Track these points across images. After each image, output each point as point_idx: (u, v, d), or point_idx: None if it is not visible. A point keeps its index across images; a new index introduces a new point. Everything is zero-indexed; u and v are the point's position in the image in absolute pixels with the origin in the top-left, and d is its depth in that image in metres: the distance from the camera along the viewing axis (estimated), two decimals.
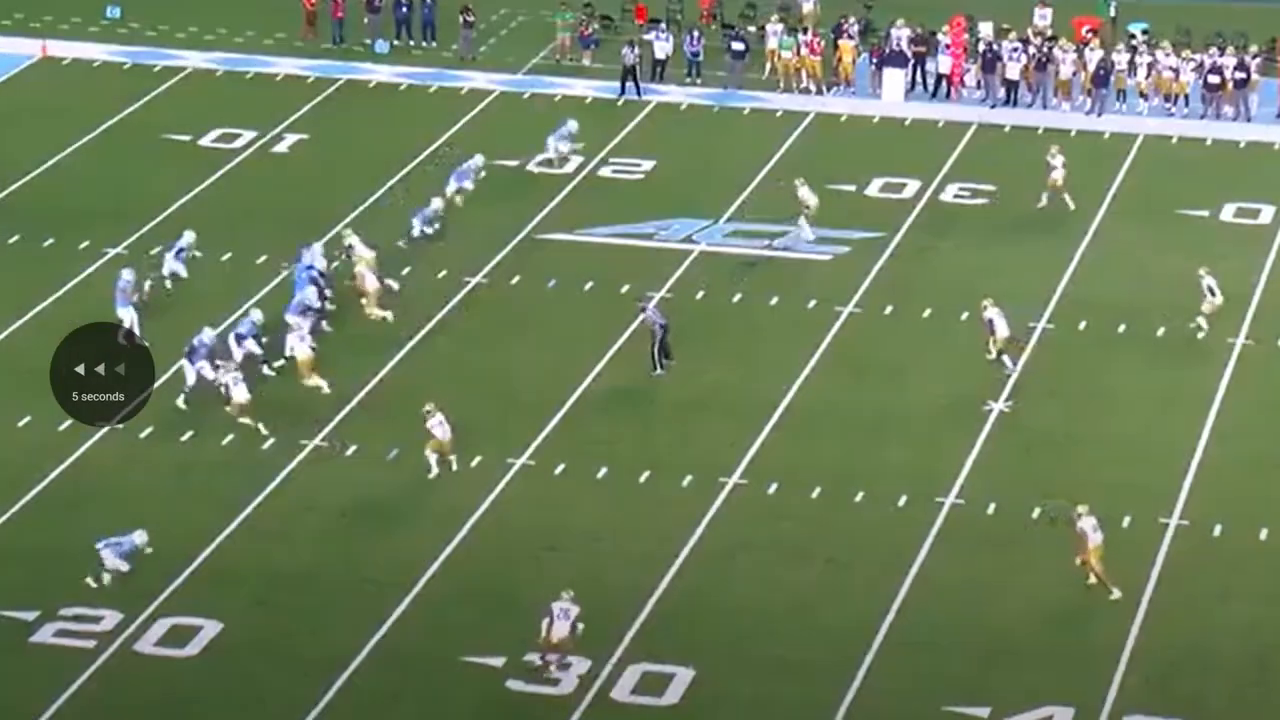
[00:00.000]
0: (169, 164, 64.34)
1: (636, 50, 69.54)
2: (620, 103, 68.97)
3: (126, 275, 54.00)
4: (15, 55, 72.55)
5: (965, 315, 54.84)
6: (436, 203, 59.21)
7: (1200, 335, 54.03)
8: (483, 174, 61.19)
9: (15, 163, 63.78)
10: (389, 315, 54.36)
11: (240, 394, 49.69)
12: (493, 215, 60.57)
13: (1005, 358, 52.46)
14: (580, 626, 41.36)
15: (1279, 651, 42.84)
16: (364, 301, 54.57)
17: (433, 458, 48.49)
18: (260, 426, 49.49)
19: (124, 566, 44.36)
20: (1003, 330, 52.55)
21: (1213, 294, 54.10)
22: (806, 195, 59.34)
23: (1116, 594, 44.00)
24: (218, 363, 50.61)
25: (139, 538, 44.63)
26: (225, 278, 56.55)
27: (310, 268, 54.79)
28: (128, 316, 53.34)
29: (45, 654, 42.42)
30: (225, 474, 48.57)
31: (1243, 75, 67.32)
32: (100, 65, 72.20)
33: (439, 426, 48.29)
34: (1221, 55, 67.89)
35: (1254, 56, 67.76)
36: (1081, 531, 44.10)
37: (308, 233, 58.57)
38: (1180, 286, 55.92)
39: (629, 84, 69.27)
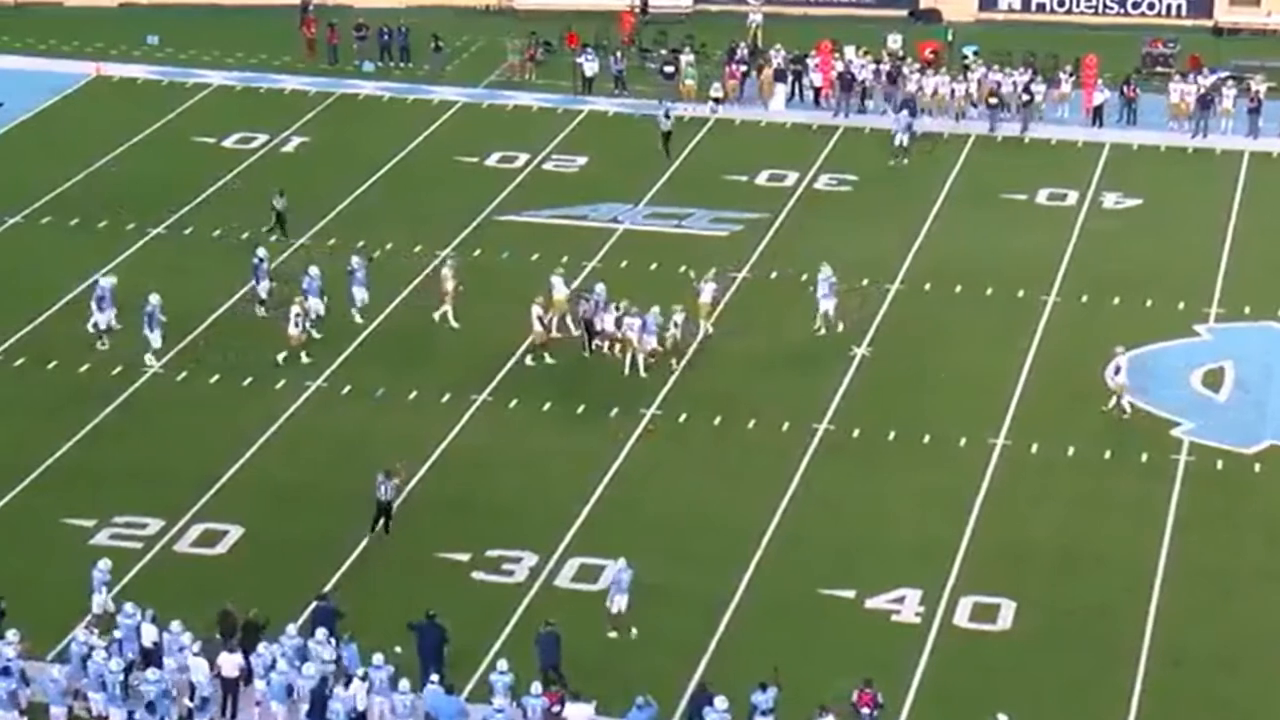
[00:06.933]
0: (198, 161, 63.85)
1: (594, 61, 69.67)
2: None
3: (104, 284, 51.50)
4: (75, 74, 71.87)
5: None
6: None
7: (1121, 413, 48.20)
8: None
9: (77, 159, 63.24)
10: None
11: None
12: (459, 200, 60.36)
13: None
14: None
15: (1081, 544, 43.23)
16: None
17: None
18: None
19: None
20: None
21: (1118, 372, 48.12)
22: None
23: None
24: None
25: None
26: (244, 251, 56.02)
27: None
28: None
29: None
30: (242, 409, 48.46)
31: (1058, 90, 67.07)
32: (143, 82, 71.68)
33: None
34: (1035, 74, 67.67)
35: (1069, 75, 67.65)
36: None
37: (310, 215, 58.46)
38: (1003, 255, 56.15)
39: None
